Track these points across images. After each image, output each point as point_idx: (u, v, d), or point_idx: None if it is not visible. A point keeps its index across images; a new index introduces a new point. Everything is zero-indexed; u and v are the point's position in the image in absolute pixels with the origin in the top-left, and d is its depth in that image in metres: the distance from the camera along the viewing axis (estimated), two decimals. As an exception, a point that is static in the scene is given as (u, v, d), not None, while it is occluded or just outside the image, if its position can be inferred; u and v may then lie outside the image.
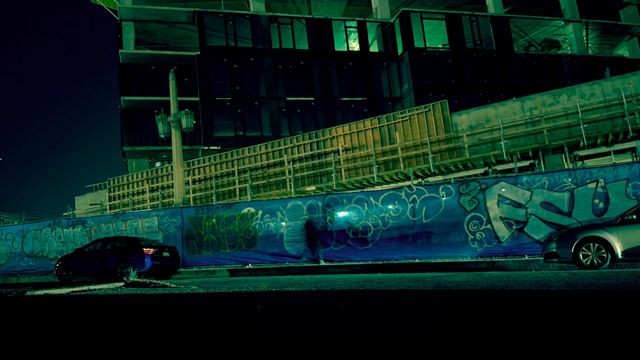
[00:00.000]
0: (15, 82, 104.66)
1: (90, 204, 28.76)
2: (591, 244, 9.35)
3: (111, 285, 8.21)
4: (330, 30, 33.38)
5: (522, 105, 18.89)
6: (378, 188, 18.69)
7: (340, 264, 14.07)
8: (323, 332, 2.82)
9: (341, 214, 14.67)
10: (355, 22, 34.15)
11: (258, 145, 23.46)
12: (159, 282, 8.04)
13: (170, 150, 24.94)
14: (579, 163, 18.08)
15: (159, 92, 30.09)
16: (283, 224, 15.36)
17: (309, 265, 14.59)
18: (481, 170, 19.19)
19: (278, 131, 30.75)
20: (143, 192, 25.64)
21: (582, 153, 18.02)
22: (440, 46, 34.21)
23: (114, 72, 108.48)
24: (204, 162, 24.42)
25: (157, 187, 25.12)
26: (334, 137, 21.62)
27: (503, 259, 12.40)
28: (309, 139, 22.15)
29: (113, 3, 34.49)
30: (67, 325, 3.48)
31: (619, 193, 11.80)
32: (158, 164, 30.65)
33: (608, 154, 17.57)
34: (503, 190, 12.93)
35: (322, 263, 14.19)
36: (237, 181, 22.88)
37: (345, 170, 21.07)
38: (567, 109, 18.00)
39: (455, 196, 13.39)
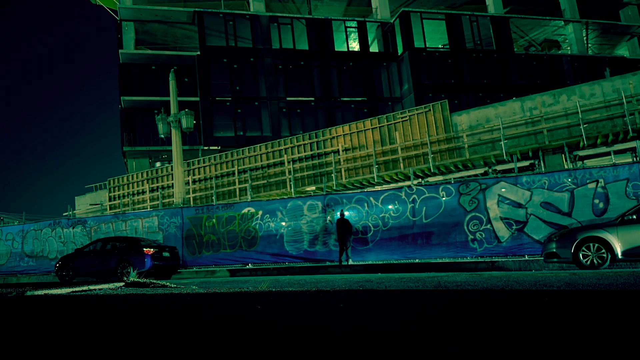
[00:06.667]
0: (14, 82, 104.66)
1: (91, 204, 28.76)
2: (591, 244, 9.35)
3: (111, 286, 8.21)
4: (330, 30, 33.37)
5: (522, 105, 18.89)
6: (378, 188, 18.69)
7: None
8: (324, 332, 2.82)
9: (341, 214, 14.66)
10: (355, 22, 34.15)
11: (258, 145, 23.46)
12: (159, 282, 8.04)
13: (170, 150, 24.96)
14: (579, 163, 18.08)
15: (159, 92, 30.08)
16: (283, 224, 15.37)
17: (308, 265, 14.59)
18: (481, 170, 19.19)
19: (278, 131, 30.74)
20: (143, 192, 25.64)
21: (582, 153, 18.01)
22: (440, 46, 34.20)
23: (114, 72, 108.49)
24: (204, 162, 24.42)
25: (157, 187, 25.12)
26: (334, 137, 21.62)
27: (503, 259, 12.40)
28: (309, 139, 22.15)
29: (113, 3, 34.48)
30: (67, 325, 3.48)
31: (619, 193, 11.80)
32: (158, 164, 30.64)
33: (608, 154, 17.56)
34: (503, 190, 12.93)
35: (351, 262, 14.06)
36: (237, 181, 22.88)
37: (345, 170, 21.07)
38: (567, 109, 18.00)
39: (455, 196, 13.40)
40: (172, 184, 21.89)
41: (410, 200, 13.91)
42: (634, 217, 9.20)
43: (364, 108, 32.43)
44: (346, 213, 14.54)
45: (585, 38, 37.56)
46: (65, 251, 17.87)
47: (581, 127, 17.25)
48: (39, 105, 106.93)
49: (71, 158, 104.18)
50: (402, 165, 19.89)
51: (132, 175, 26.65)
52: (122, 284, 8.39)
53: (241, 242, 15.82)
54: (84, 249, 14.71)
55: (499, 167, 18.96)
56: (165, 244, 15.96)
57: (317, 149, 21.82)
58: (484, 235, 12.96)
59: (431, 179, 19.67)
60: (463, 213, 13.24)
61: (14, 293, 6.89)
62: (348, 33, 33.96)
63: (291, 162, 21.89)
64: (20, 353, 2.52)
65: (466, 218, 13.19)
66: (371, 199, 14.44)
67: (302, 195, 18.97)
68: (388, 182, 20.59)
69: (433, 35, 33.62)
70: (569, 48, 38.28)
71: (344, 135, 21.44)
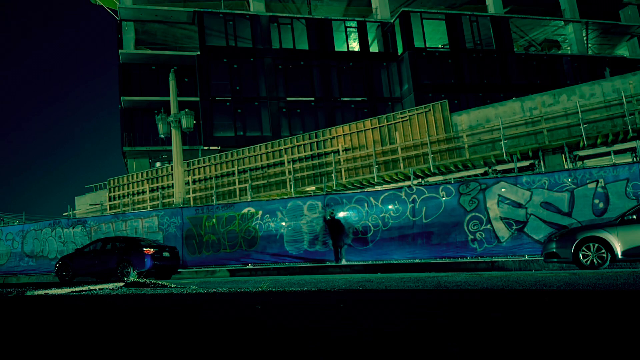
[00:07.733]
0: (15, 82, 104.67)
1: (91, 204, 28.76)
2: (591, 244, 9.35)
3: (111, 285, 8.22)
4: (330, 31, 33.37)
5: (522, 105, 18.89)
6: (378, 188, 18.68)
7: (341, 264, 14.07)
8: (324, 332, 2.82)
9: (341, 214, 14.67)
10: (355, 22, 34.15)
11: (258, 145, 23.46)
12: (159, 282, 8.04)
13: (170, 150, 24.94)
14: (579, 163, 18.08)
15: (159, 92, 30.07)
16: (283, 224, 15.36)
17: (308, 265, 14.59)
18: (481, 170, 19.19)
19: (278, 131, 30.74)
20: (143, 192, 25.64)
21: (582, 153, 18.01)
22: (440, 46, 34.20)
23: (114, 72, 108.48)
24: (204, 162, 24.42)
25: (157, 187, 25.12)
26: (334, 137, 21.62)
27: (503, 259, 12.40)
28: (309, 139, 22.15)
29: (113, 3, 34.48)
30: (67, 326, 3.48)
31: (619, 193, 11.80)
32: (158, 164, 30.64)
33: (608, 154, 17.56)
34: (503, 190, 12.93)
35: (344, 262, 14.06)
36: (237, 181, 22.88)
37: (345, 170, 21.07)
38: (567, 109, 17.99)
39: (455, 196, 13.39)
40: (172, 184, 21.89)
41: (410, 200, 13.91)
42: (634, 217, 9.20)
43: (364, 108, 32.43)
44: (342, 214, 14.55)
45: (585, 38, 37.56)
46: (65, 251, 17.87)
47: (581, 127, 17.25)
48: (39, 105, 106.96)
49: (71, 158, 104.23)
50: (402, 165, 19.88)
51: (132, 175, 26.65)
52: (122, 284, 8.39)
53: (241, 242, 15.82)
54: (84, 249, 14.71)
55: (499, 167, 18.96)
56: (165, 244, 15.96)
57: (317, 149, 21.82)
58: (484, 235, 12.96)
59: (431, 179, 19.67)
60: (463, 213, 13.24)
61: (14, 293, 6.89)
62: (348, 33, 33.96)
63: (291, 162, 21.89)
64: (20, 353, 2.52)
65: (466, 218, 13.19)
66: (371, 199, 14.43)
67: (302, 195, 18.97)
68: (388, 182, 20.59)
69: (433, 35, 33.62)
70: (569, 48, 38.27)
71: (344, 135, 21.44)
